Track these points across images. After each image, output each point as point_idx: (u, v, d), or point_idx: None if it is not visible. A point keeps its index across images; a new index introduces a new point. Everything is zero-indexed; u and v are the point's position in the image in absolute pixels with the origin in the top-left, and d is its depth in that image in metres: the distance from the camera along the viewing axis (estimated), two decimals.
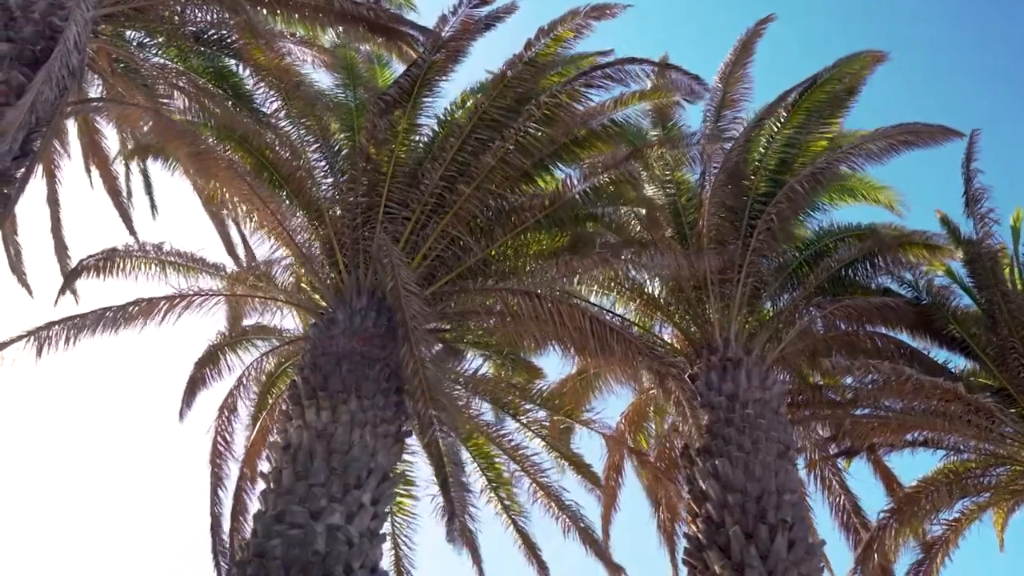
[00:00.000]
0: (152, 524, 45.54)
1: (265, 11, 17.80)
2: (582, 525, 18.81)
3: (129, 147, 20.13)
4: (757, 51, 20.22)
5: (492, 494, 19.39)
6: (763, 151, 19.40)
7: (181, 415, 19.89)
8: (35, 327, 17.05)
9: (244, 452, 19.97)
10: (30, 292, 20.35)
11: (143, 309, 17.72)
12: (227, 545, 19.33)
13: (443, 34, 17.75)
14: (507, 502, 19.49)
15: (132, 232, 21.18)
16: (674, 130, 20.08)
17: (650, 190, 19.42)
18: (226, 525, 19.45)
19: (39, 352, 16.90)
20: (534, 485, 19.08)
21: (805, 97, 19.47)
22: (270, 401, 20.01)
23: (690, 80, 17.42)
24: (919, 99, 45.65)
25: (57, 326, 17.16)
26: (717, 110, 19.89)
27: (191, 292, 18.22)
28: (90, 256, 18.33)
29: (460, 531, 16.74)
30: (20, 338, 16.85)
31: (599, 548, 19.01)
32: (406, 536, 19.47)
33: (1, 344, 16.73)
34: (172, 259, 18.22)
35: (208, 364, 20.01)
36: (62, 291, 18.68)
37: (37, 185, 18.30)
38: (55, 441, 44.73)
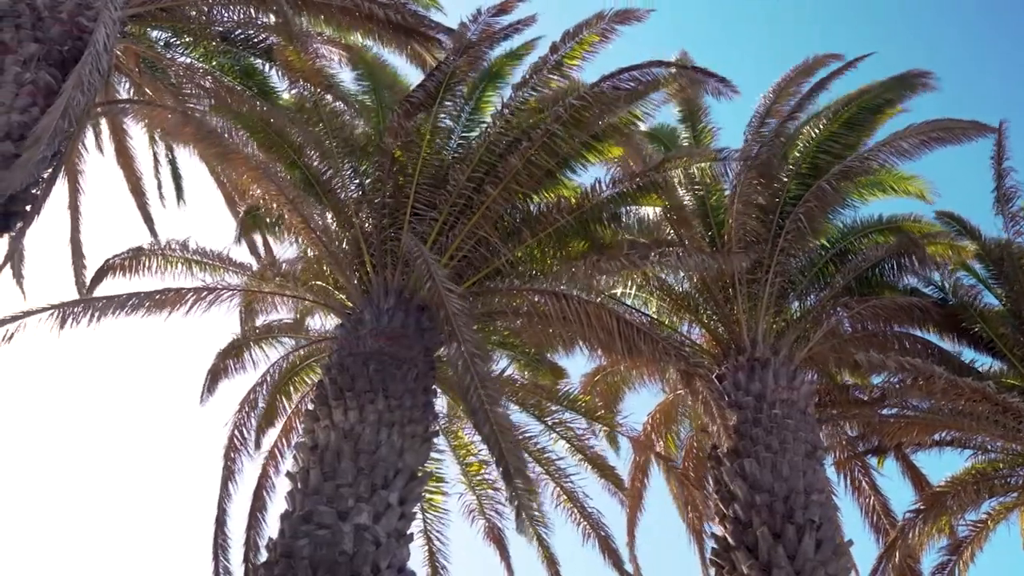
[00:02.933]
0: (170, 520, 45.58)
1: (292, 11, 17.56)
2: (603, 534, 18.69)
3: (157, 148, 20.00)
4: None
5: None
6: (799, 155, 19.11)
7: (202, 400, 19.86)
8: (60, 302, 16.83)
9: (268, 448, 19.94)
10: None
11: (170, 299, 17.51)
12: (227, 540, 19.31)
13: (464, 40, 17.59)
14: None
15: (153, 234, 20.99)
16: (705, 135, 20.01)
17: (679, 191, 19.00)
18: (230, 521, 19.38)
19: (62, 325, 16.60)
20: (558, 489, 19.00)
21: (850, 107, 19.22)
22: (291, 403, 19.96)
23: (716, 82, 17.02)
24: (947, 95, 45.10)
25: (82, 304, 17.02)
26: (761, 117, 19.56)
27: (219, 286, 18.08)
28: (117, 255, 18.23)
29: (524, 522, 16.37)
30: (44, 310, 16.60)
31: (617, 558, 18.90)
32: (438, 532, 19.51)
33: (26, 312, 16.51)
34: (197, 257, 18.19)
35: (231, 355, 19.92)
36: (91, 288, 18.45)
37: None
38: (74, 436, 44.77)
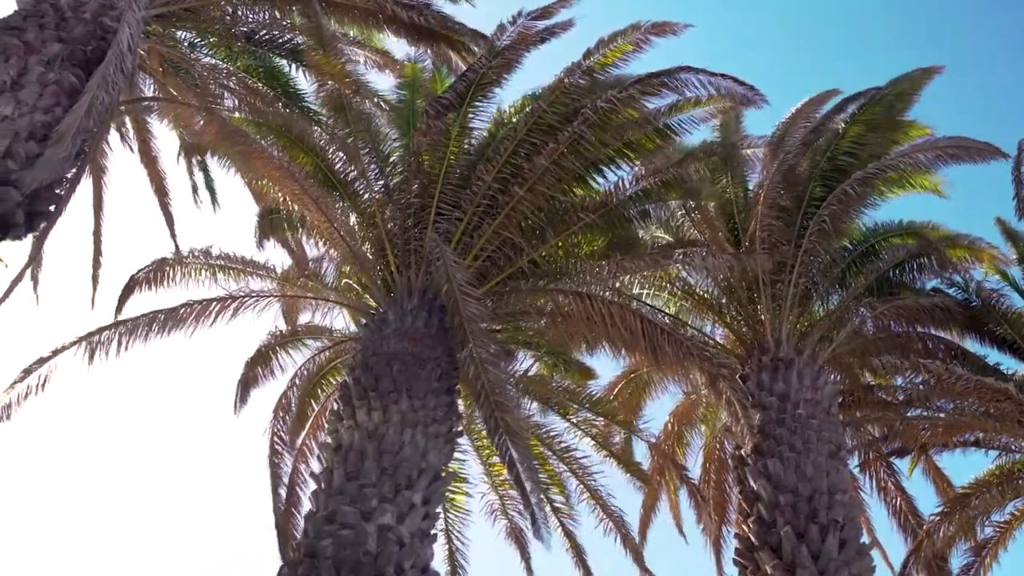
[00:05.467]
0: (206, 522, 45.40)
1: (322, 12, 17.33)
2: (624, 531, 18.41)
3: (183, 146, 19.75)
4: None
5: (542, 495, 18.86)
6: (820, 157, 18.84)
7: (236, 411, 19.61)
8: (86, 332, 16.63)
9: (296, 450, 19.65)
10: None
11: (194, 312, 17.32)
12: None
13: (500, 43, 17.19)
14: (557, 504, 18.97)
15: (174, 237, 20.48)
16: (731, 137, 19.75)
17: (703, 192, 18.71)
18: (264, 520, 19.17)
19: (91, 358, 16.49)
20: (581, 486, 18.72)
21: (864, 110, 19.01)
22: (320, 400, 19.65)
23: (745, 90, 16.63)
24: (969, 104, 44.50)
25: (108, 331, 16.75)
26: (786, 125, 19.53)
27: (241, 293, 17.83)
28: (141, 269, 17.96)
29: (535, 529, 16.15)
30: (72, 344, 16.43)
31: (639, 554, 18.75)
32: (459, 532, 19.24)
33: (55, 351, 16.35)
34: (221, 263, 17.87)
35: (259, 364, 19.61)
36: (118, 309, 18.00)
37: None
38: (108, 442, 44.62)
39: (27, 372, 16.32)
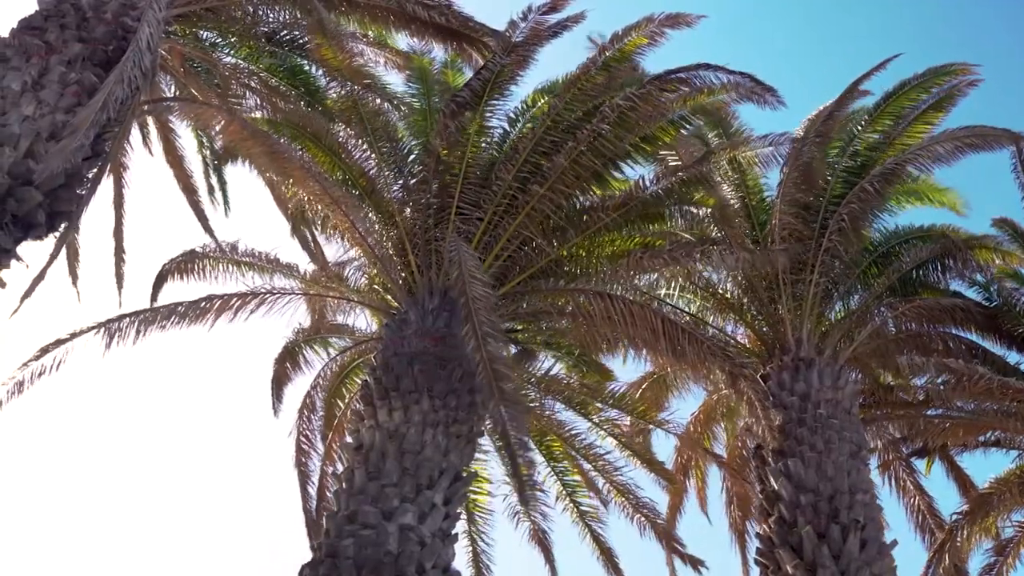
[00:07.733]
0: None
1: (335, 13, 17.06)
2: (660, 523, 18.11)
3: (204, 146, 19.54)
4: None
5: (568, 500, 18.62)
6: (840, 152, 18.55)
7: (275, 411, 19.59)
8: (105, 319, 16.41)
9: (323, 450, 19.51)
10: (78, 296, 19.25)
11: (215, 306, 17.06)
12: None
13: (513, 39, 16.88)
14: (583, 507, 18.63)
15: (208, 231, 20.05)
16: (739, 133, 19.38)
17: (722, 189, 18.34)
18: (291, 522, 19.05)
19: (109, 344, 16.26)
20: (608, 484, 18.33)
21: (889, 103, 18.57)
22: (345, 400, 19.39)
23: (764, 91, 16.22)
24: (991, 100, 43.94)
25: (128, 318, 16.52)
26: (807, 125, 18.82)
27: (264, 290, 17.58)
28: (172, 259, 17.83)
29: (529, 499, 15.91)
30: (91, 329, 16.21)
31: (676, 546, 18.31)
32: (483, 532, 18.91)
33: (73, 334, 16.10)
34: (247, 259, 17.72)
35: (287, 360, 19.46)
36: (153, 296, 17.95)
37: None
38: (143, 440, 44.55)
39: (43, 351, 16.08)
